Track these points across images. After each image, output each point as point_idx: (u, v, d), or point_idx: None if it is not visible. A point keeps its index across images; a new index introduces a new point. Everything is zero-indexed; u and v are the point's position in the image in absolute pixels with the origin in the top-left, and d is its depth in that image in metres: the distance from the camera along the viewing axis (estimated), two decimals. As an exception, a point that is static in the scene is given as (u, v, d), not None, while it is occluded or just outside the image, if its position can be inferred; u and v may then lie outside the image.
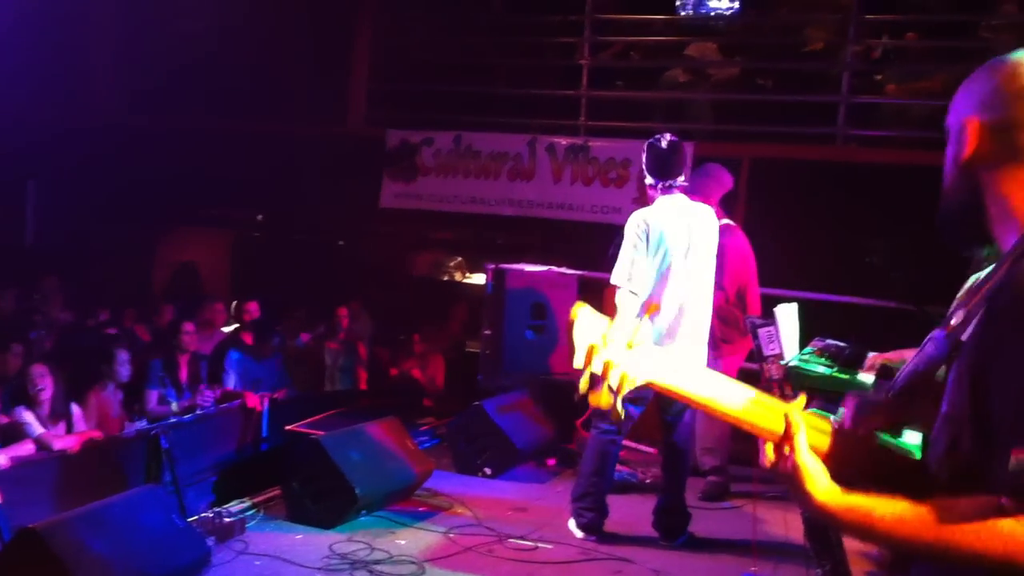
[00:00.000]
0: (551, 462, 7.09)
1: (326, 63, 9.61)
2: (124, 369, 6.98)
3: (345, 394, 8.57)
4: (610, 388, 1.74)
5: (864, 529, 1.61)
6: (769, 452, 1.74)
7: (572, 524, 5.56)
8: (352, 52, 9.53)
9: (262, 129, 9.60)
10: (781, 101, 8.66)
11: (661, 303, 5.16)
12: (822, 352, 3.82)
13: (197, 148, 9.59)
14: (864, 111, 8.44)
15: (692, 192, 6.19)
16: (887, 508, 1.57)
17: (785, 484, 1.71)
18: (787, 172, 7.81)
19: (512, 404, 7.22)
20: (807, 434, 1.71)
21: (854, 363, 3.64)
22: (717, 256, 6.07)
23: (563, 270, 7.54)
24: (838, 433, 1.77)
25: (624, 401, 1.74)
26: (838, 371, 3.69)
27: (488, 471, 6.70)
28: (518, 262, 7.70)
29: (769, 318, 5.41)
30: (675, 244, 5.19)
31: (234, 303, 9.02)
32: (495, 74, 9.65)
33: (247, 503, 5.77)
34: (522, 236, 9.04)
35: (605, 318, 1.79)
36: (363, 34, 9.56)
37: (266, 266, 10.39)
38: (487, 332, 7.71)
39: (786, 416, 1.72)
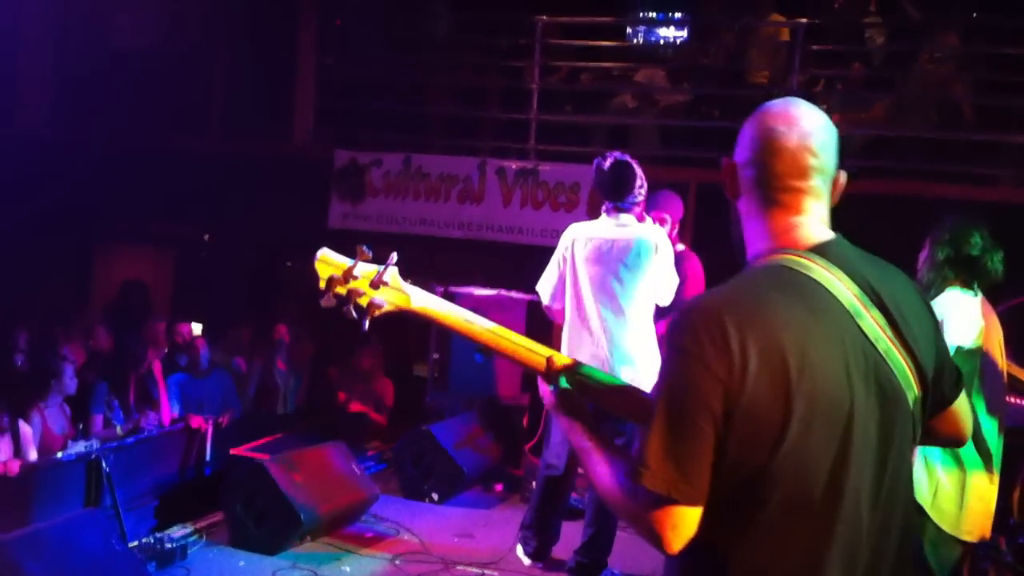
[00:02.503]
0: (499, 487, 7.07)
1: (273, 81, 9.54)
2: (71, 383, 6.80)
3: (292, 417, 8.48)
4: (356, 310, 2.16)
5: (581, 459, 2.06)
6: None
7: (519, 550, 5.54)
8: (298, 71, 9.49)
9: (207, 147, 9.50)
10: (728, 127, 8.74)
11: (567, 314, 5.19)
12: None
13: (141, 165, 9.46)
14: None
15: (656, 208, 6.19)
16: (595, 455, 2.00)
17: (552, 408, 2.21)
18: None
19: (460, 428, 7.19)
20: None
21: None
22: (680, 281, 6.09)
23: (512, 293, 7.55)
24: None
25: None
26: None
27: (435, 496, 6.66)
28: (467, 285, 7.70)
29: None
30: (586, 258, 5.14)
31: (164, 324, 8.82)
32: (445, 96, 9.66)
33: (189, 528, 5.68)
34: (471, 259, 9.02)
35: (345, 258, 2.19)
36: (308, 53, 9.51)
37: (211, 285, 10.26)
38: (435, 355, 7.70)
39: (550, 358, 2.22)
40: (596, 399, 2.24)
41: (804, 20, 8.56)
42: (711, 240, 6.48)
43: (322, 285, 2.17)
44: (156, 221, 10.08)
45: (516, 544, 5.57)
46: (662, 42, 10.53)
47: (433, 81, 9.72)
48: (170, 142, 9.60)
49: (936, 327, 1.99)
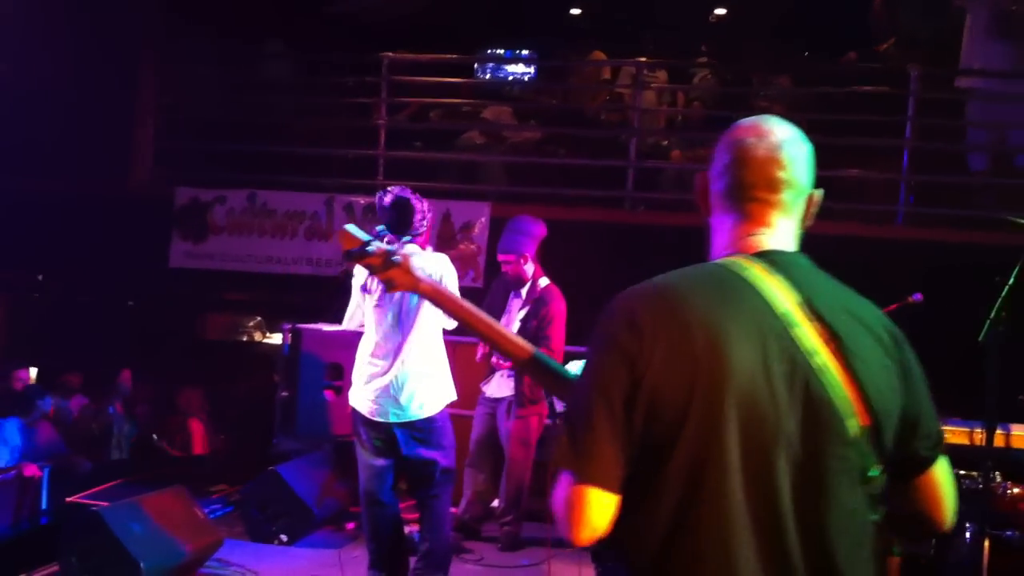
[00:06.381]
0: (350, 526, 6.96)
1: (109, 119, 9.22)
2: None
3: (133, 463, 8.20)
4: (379, 274, 2.49)
5: None
6: None
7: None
8: (135, 108, 9.22)
9: (39, 187, 9.10)
10: (574, 165, 8.95)
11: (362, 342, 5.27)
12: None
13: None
14: (650, 176, 8.81)
15: (501, 251, 6.29)
16: None
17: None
18: (579, 234, 8.03)
19: (308, 468, 7.06)
20: None
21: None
22: (545, 319, 6.12)
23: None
24: None
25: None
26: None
27: (283, 538, 6.51)
28: (315, 322, 7.60)
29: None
30: (373, 288, 5.19)
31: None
32: (291, 133, 9.56)
33: (21, 582, 5.43)
34: (321, 295, 8.93)
35: (365, 235, 2.51)
36: (148, 92, 9.27)
37: (47, 329, 9.84)
38: (283, 394, 7.55)
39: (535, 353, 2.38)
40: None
41: (644, 59, 8.83)
42: (556, 274, 6.60)
43: (343, 257, 2.51)
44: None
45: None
46: (511, 79, 10.67)
47: (279, 119, 9.62)
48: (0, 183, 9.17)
49: (907, 374, 1.88)
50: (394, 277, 2.48)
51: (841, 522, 1.78)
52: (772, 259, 1.87)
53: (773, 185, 1.90)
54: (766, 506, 1.74)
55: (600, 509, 1.75)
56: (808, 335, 1.79)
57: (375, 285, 5.14)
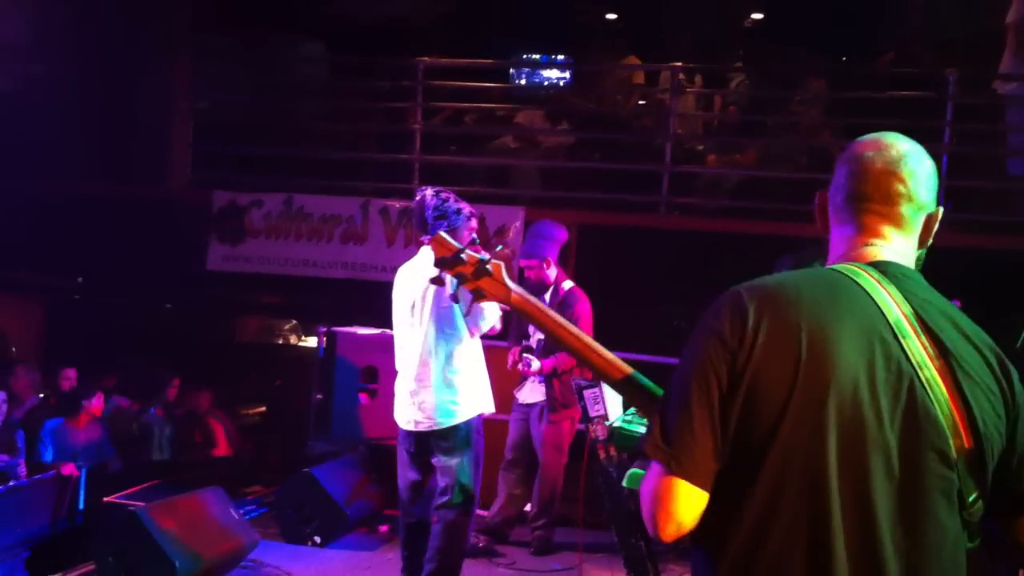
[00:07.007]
0: (383, 529, 6.99)
1: (144, 122, 9.31)
2: None
3: (169, 464, 8.28)
4: (469, 283, 2.39)
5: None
6: None
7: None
8: (172, 114, 9.30)
9: (76, 190, 9.21)
10: (607, 169, 8.94)
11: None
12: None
13: (8, 211, 9.14)
14: (684, 181, 8.78)
15: (524, 256, 6.32)
16: None
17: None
18: (613, 238, 8.02)
19: (343, 470, 7.10)
20: None
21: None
22: (569, 322, 6.09)
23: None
24: None
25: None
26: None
27: (317, 540, 6.55)
28: (350, 325, 7.65)
29: (594, 380, 5.50)
30: (396, 297, 5.15)
31: (41, 371, 8.59)
32: (328, 138, 9.62)
33: (59, 580, 5.50)
34: (355, 299, 8.98)
35: (458, 243, 2.43)
36: (182, 96, 9.34)
37: (85, 331, 9.96)
38: (318, 396, 7.61)
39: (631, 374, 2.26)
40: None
41: (680, 64, 8.80)
42: (589, 278, 6.60)
43: (434, 263, 2.43)
44: (25, 268, 9.74)
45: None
46: (546, 83, 10.69)
47: (315, 124, 9.67)
48: (39, 187, 9.28)
49: (1014, 404, 1.80)
50: (484, 287, 2.38)
51: (936, 542, 1.73)
52: (885, 270, 1.84)
53: (890, 198, 1.87)
54: (861, 517, 1.69)
55: (689, 505, 1.71)
56: (918, 347, 1.75)
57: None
